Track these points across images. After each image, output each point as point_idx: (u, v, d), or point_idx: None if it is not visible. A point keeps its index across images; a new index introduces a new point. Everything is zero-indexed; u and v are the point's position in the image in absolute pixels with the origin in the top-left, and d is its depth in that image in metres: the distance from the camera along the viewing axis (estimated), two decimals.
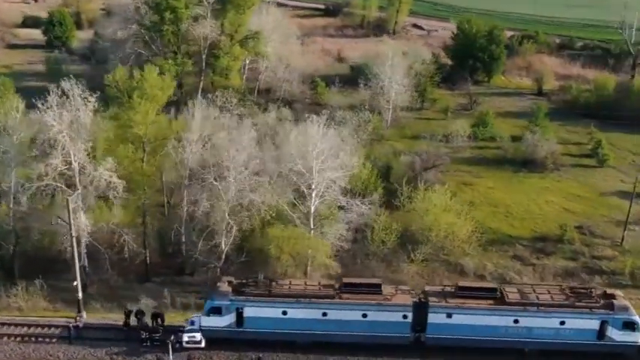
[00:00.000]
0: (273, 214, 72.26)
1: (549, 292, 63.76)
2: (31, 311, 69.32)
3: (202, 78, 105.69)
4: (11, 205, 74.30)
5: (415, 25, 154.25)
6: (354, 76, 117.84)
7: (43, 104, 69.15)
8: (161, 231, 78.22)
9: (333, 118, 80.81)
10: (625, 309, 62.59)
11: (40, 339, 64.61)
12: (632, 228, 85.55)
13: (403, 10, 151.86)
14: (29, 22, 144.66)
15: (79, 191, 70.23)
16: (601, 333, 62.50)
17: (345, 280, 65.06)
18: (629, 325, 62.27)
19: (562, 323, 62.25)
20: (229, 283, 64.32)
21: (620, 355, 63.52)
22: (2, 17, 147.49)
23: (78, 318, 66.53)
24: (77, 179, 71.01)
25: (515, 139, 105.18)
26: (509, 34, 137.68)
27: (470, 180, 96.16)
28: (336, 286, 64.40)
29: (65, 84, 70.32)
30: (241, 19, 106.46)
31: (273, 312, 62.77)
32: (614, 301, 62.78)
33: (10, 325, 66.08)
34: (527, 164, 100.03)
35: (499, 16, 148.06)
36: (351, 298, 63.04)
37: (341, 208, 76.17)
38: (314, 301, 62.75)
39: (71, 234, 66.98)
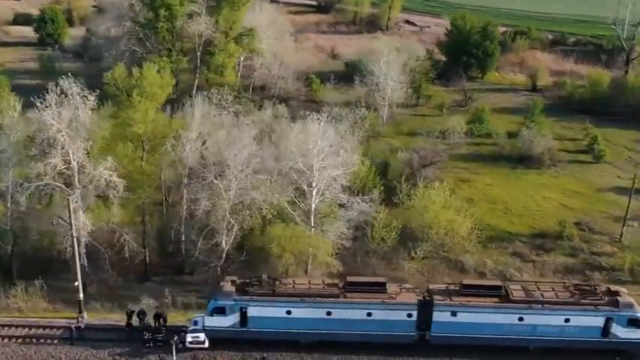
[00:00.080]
0: (275, 213, 71.76)
1: (554, 290, 63.74)
2: (31, 312, 68.71)
3: (197, 75, 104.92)
4: (9, 205, 73.53)
5: (407, 22, 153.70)
6: (349, 73, 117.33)
7: (41, 103, 68.28)
8: (160, 230, 77.63)
9: (329, 115, 79.92)
10: (630, 306, 62.60)
11: (41, 340, 64.07)
12: (630, 224, 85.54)
13: (396, 7, 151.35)
14: (20, 19, 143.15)
15: (79, 191, 69.47)
16: (605, 330, 62.51)
17: (350, 278, 64.73)
18: (634, 322, 62.27)
19: (567, 321, 62.20)
20: (232, 282, 63.87)
21: (625, 352, 63.48)
22: None
23: (79, 319, 65.85)
24: (76, 178, 70.30)
25: (510, 135, 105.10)
26: (501, 29, 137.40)
27: (467, 177, 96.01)
28: (340, 284, 64.03)
29: (64, 82, 69.39)
30: (236, 16, 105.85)
31: (277, 311, 62.40)
32: (619, 298, 62.83)
33: (10, 326, 65.51)
34: (524, 160, 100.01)
35: (490, 12, 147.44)
36: (355, 297, 62.71)
37: (341, 206, 75.78)
38: (318, 301, 62.42)
39: (72, 234, 66.30)
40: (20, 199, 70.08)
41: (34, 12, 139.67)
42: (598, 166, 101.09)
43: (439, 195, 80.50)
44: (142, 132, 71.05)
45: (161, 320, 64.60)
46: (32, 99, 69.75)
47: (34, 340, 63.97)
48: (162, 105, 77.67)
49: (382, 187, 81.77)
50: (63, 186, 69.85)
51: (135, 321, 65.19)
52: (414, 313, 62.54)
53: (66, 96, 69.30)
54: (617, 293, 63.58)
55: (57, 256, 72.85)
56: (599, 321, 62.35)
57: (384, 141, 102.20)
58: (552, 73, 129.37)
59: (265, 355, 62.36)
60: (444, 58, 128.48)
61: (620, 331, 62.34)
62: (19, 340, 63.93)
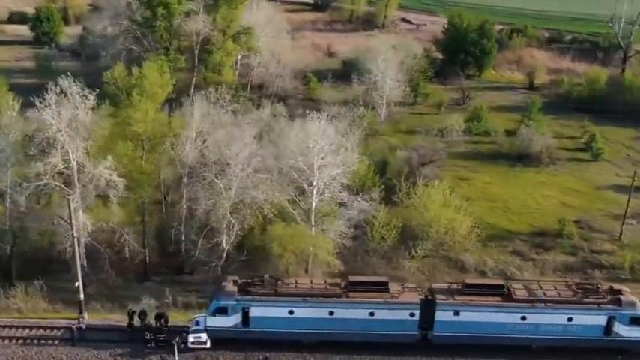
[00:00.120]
0: (275, 212, 71.55)
1: (556, 289, 63.58)
2: (31, 312, 68.20)
3: (195, 74, 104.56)
4: (7, 205, 73.16)
5: (404, 20, 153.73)
6: (346, 71, 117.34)
7: (41, 102, 67.88)
8: (160, 230, 77.32)
9: (329, 114, 79.70)
10: (632, 304, 62.47)
11: (42, 341, 63.61)
12: (629, 222, 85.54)
13: (392, 5, 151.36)
14: (15, 17, 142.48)
15: (79, 190, 69.12)
16: (608, 329, 62.37)
17: (352, 278, 64.48)
18: (637, 321, 62.10)
19: (569, 319, 62.07)
20: (234, 282, 63.54)
21: (627, 351, 63.37)
22: None
23: (80, 319, 65.47)
24: (75, 178, 69.95)
25: (509, 133, 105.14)
26: (497, 28, 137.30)
27: (466, 175, 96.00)
28: (343, 284, 63.76)
29: (63, 81, 68.95)
30: (233, 15, 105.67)
31: (279, 311, 62.12)
32: (621, 297, 62.67)
33: (11, 327, 65.05)
34: (523, 159, 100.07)
35: (485, 10, 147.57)
36: (358, 297, 62.47)
37: (342, 204, 75.59)
38: (321, 300, 62.16)
39: (73, 234, 65.93)
40: (20, 199, 69.52)
41: (30, 10, 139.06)
42: (596, 164, 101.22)
43: (439, 193, 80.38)
44: (142, 131, 70.64)
45: (162, 320, 64.22)
46: (32, 98, 69.29)
47: (34, 341, 63.53)
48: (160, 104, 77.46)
49: (383, 186, 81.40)
50: (62, 186, 69.47)
51: (136, 321, 64.78)
52: (417, 313, 62.34)
53: (65, 95, 68.85)
54: (619, 292, 63.43)
55: (56, 256, 72.39)
56: (601, 319, 62.24)
57: (383, 139, 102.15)
58: (549, 71, 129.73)
59: (268, 355, 62.05)
60: (441, 56, 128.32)
61: (623, 330, 62.22)
62: (20, 341, 63.51)
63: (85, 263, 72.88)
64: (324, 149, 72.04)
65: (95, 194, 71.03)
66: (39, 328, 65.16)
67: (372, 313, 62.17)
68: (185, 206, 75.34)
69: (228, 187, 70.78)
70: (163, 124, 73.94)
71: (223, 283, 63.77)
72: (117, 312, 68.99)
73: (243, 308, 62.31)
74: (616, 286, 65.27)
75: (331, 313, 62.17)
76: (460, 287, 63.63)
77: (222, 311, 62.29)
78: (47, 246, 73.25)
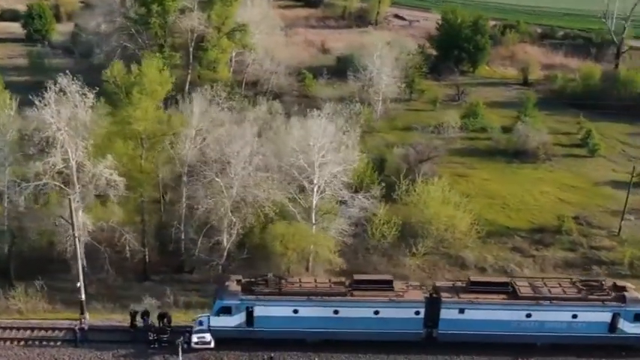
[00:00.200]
0: (277, 211, 71.11)
1: (561, 286, 63.42)
2: (32, 313, 67.55)
3: (190, 71, 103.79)
4: (5, 205, 72.42)
5: (397, 16, 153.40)
6: (341, 68, 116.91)
7: (40, 101, 67.11)
8: (160, 228, 76.78)
9: (329, 112, 79.19)
10: (636, 301, 62.31)
11: (44, 342, 62.93)
12: (627, 218, 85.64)
13: (385, 1, 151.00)
14: (7, 15, 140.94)
15: (79, 190, 68.42)
16: (612, 326, 62.28)
17: (356, 276, 64.12)
18: None
19: (574, 317, 61.93)
20: (238, 282, 63.06)
21: (632, 348, 63.27)
22: None
23: (82, 320, 64.81)
24: (74, 177, 69.26)
25: (504, 129, 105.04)
26: (490, 23, 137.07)
27: (464, 171, 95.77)
28: (347, 283, 63.39)
29: (62, 80, 68.16)
30: (228, 11, 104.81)
31: (283, 311, 61.66)
32: (626, 294, 62.58)
33: (12, 328, 64.34)
34: (519, 155, 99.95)
35: (478, 6, 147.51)
36: (362, 296, 62.11)
37: (342, 202, 75.25)
38: (325, 299, 61.76)
39: (74, 234, 65.28)
40: (19, 199, 68.67)
41: (21, 8, 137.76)
42: (593, 160, 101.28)
43: (438, 190, 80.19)
44: (141, 129, 69.98)
45: (165, 320, 63.68)
46: (30, 97, 68.45)
47: (36, 343, 62.86)
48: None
49: (384, 184, 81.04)
50: (62, 185, 68.76)
51: (139, 322, 64.23)
52: (422, 311, 62.03)
53: (64, 94, 68.07)
54: (623, 288, 63.34)
55: (55, 256, 71.75)
56: (606, 316, 62.13)
57: (379, 136, 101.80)
58: (542, 66, 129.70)
59: (273, 354, 61.61)
60: (435, 53, 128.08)
61: (627, 327, 62.14)
62: (22, 343, 62.80)
63: (84, 263, 72.14)
64: (325, 147, 71.63)
65: (95, 194, 70.25)
66: (40, 329, 64.47)
67: (376, 312, 61.81)
68: (185, 205, 74.69)
69: (229, 186, 70.19)
70: (163, 122, 73.09)
71: (227, 283, 63.21)
72: (118, 312, 68.48)
73: (247, 308, 61.81)
74: (620, 282, 65.14)
75: (336, 312, 61.78)
76: (465, 285, 63.39)
77: (226, 311, 61.77)
78: (46, 246, 72.57)
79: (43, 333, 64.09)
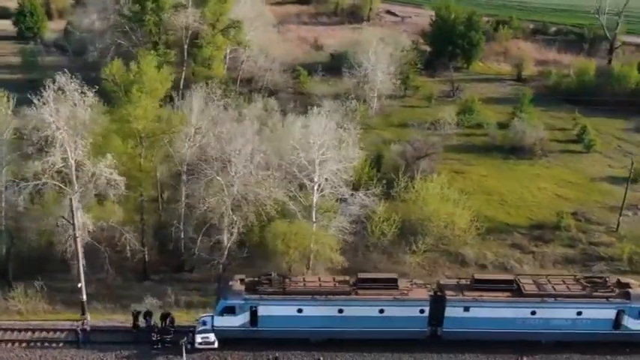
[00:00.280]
0: (279, 209, 70.69)
1: (565, 283, 63.29)
2: (32, 314, 66.92)
3: (184, 69, 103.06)
4: (3, 205, 71.66)
5: (388, 12, 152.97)
6: (335, 64, 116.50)
7: (39, 99, 66.34)
8: (159, 228, 76.23)
9: (329, 109, 78.84)
10: None
11: (46, 344, 62.28)
12: (625, 213, 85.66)
13: None
14: None
15: (78, 190, 67.72)
16: (617, 322, 62.20)
17: (360, 275, 63.80)
18: None
19: (579, 314, 61.83)
20: (242, 281, 62.59)
21: (636, 344, 63.21)
22: None
23: (84, 321, 64.15)
24: (74, 177, 68.54)
25: (500, 125, 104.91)
26: (483, 19, 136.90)
27: (461, 168, 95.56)
28: (351, 281, 63.03)
29: (60, 78, 67.35)
30: (223, 8, 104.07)
31: (288, 310, 61.26)
32: (630, 290, 62.48)
33: (13, 330, 63.61)
34: (516, 151, 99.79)
35: (470, 2, 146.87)
36: (367, 294, 61.80)
37: (342, 200, 74.90)
38: (330, 298, 61.41)
39: (74, 234, 64.64)
40: (18, 199, 67.81)
41: (12, 5, 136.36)
42: (589, 156, 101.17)
43: (437, 187, 79.97)
44: (141, 128, 69.36)
45: (168, 321, 63.12)
46: (29, 95, 67.60)
47: (38, 344, 62.22)
48: None
49: (384, 181, 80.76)
50: (61, 185, 68.04)
51: (141, 322, 63.64)
52: (427, 309, 61.77)
53: (63, 92, 67.29)
54: (627, 285, 63.27)
55: (54, 256, 71.05)
56: (610, 313, 62.03)
57: (375, 133, 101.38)
58: (536, 62, 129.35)
59: (277, 354, 61.18)
60: (428, 49, 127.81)
61: (632, 323, 62.04)
62: (23, 344, 62.11)
63: (84, 263, 71.47)
64: (325, 144, 71.24)
65: (95, 193, 69.50)
66: (42, 330, 63.81)
67: (381, 311, 61.51)
68: (184, 204, 74.14)
69: (230, 184, 69.68)
70: (162, 120, 72.47)
71: (230, 283, 62.67)
72: (119, 312, 68.02)
73: (251, 307, 61.36)
74: (624, 279, 65.10)
75: (340, 311, 61.45)
76: (469, 283, 63.14)
77: (230, 311, 61.30)
78: (45, 246, 71.82)
79: (44, 334, 63.44)
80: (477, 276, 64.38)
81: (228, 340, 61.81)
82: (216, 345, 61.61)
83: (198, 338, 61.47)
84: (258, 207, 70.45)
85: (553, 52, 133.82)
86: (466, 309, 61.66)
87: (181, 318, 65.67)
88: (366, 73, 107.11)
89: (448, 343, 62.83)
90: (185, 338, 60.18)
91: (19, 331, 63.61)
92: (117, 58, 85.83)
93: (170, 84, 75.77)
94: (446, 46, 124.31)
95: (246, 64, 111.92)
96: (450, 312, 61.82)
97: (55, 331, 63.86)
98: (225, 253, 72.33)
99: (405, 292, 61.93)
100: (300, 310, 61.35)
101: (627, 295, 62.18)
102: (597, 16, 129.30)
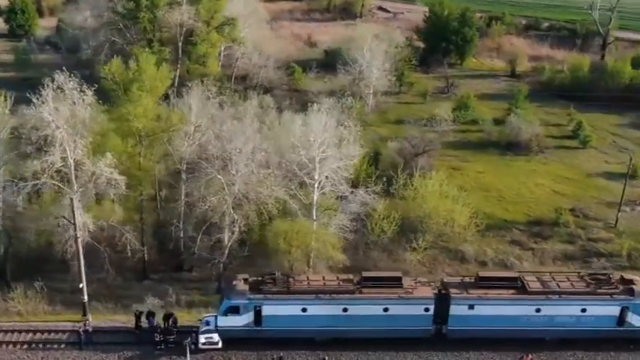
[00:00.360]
0: (280, 208, 70.28)
1: (569, 280, 63.17)
2: (32, 315, 66.19)
3: (179, 66, 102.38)
4: (0, 205, 70.92)
5: (381, 8, 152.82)
6: (329, 61, 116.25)
7: (38, 98, 65.56)
8: (158, 227, 75.69)
9: (327, 107, 78.40)
10: None
11: (48, 345, 61.66)
12: (623, 209, 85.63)
13: None
14: None
15: (78, 189, 67.04)
16: (621, 319, 62.13)
17: (365, 274, 63.47)
18: None
19: (583, 311, 61.72)
20: (245, 281, 62.15)
21: None
22: None
23: (86, 322, 63.51)
24: (73, 176, 67.80)
25: (496, 121, 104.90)
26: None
27: (458, 165, 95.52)
28: (356, 280, 62.71)
29: (59, 77, 66.54)
30: (217, 5, 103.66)
31: (292, 309, 60.87)
32: (634, 287, 62.38)
33: (14, 331, 62.92)
34: (512, 147, 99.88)
35: None
36: (371, 293, 61.49)
37: (343, 198, 74.57)
38: (334, 297, 61.06)
39: (75, 234, 64.03)
40: (17, 199, 66.97)
41: (2, 2, 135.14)
42: (584, 152, 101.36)
43: (436, 184, 79.77)
44: (141, 127, 68.75)
45: (171, 321, 62.65)
46: (28, 94, 66.78)
47: (40, 346, 61.59)
48: None
49: (384, 178, 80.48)
50: (61, 185, 67.35)
51: (144, 322, 63.12)
52: (431, 308, 61.52)
53: (62, 91, 66.52)
54: (631, 282, 63.12)
55: (52, 256, 70.36)
56: (614, 310, 61.93)
57: (371, 130, 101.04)
58: (529, 58, 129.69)
59: (282, 354, 60.80)
60: (422, 45, 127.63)
61: (636, 320, 61.94)
62: (25, 346, 61.49)
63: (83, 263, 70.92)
64: (326, 142, 70.86)
65: (95, 192, 68.83)
66: (43, 331, 63.13)
67: (386, 309, 61.21)
68: (184, 202, 73.61)
69: (231, 183, 69.18)
70: (161, 119, 71.86)
71: (234, 282, 62.14)
72: (120, 313, 67.46)
73: (255, 307, 60.95)
74: (627, 276, 65.02)
75: (345, 310, 61.12)
76: (474, 281, 62.89)
77: (234, 311, 60.83)
78: (43, 246, 71.06)
79: (46, 336, 62.80)
80: (482, 273, 64.23)
81: (232, 340, 61.36)
82: (220, 345, 61.15)
83: (202, 338, 61.01)
84: (260, 206, 69.90)
85: (546, 48, 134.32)
86: (471, 307, 61.47)
87: (183, 318, 65.17)
88: (361, 69, 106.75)
89: (453, 342, 62.60)
90: (189, 338, 59.84)
91: (20, 332, 62.97)
92: (111, 55, 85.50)
93: (170, 82, 74.84)
94: (440, 43, 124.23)
95: (240, 62, 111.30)
96: (455, 310, 61.58)
97: (56, 332, 63.20)
98: (226, 252, 71.77)
99: (410, 290, 61.65)
100: (304, 310, 60.98)
101: (631, 292, 62.10)
102: (590, 11, 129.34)
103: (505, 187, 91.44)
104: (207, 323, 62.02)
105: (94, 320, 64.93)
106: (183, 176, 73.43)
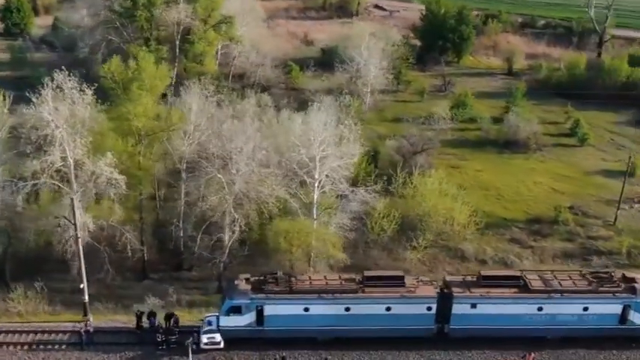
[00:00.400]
0: (281, 207, 70.07)
1: (571, 278, 63.08)
2: (32, 316, 65.89)
3: (176, 65, 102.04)
4: None
5: (377, 6, 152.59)
6: (326, 60, 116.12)
7: (37, 98, 65.12)
8: (158, 226, 75.41)
9: (328, 105, 78.28)
10: None
11: (49, 346, 61.26)
12: (621, 207, 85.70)
13: None
14: None
15: (78, 189, 66.67)
16: (623, 317, 62.06)
17: (367, 273, 63.21)
18: None
19: (585, 309, 61.67)
20: (247, 280, 61.88)
21: None
22: None
23: (88, 322, 63.19)
24: (72, 176, 67.38)
25: (494, 119, 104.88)
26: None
27: (456, 163, 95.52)
28: (358, 279, 62.50)
29: (58, 76, 66.10)
30: (214, 4, 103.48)
31: (294, 309, 60.62)
32: (636, 285, 62.32)
33: (15, 332, 62.55)
34: (510, 145, 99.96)
35: None
36: (374, 292, 61.28)
37: (343, 196, 74.40)
38: (336, 297, 60.83)
39: (76, 234, 63.72)
40: (16, 199, 66.63)
41: None
42: (582, 149, 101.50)
43: (435, 183, 79.69)
44: (141, 126, 68.43)
45: (172, 321, 62.41)
46: (27, 93, 66.38)
47: (41, 346, 61.17)
48: None
49: (384, 177, 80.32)
50: (60, 184, 66.96)
51: (145, 323, 62.84)
52: (434, 307, 61.37)
53: (61, 90, 66.11)
54: (633, 280, 63.05)
55: (52, 256, 70.09)
56: (616, 308, 61.85)
57: (369, 128, 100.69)
58: (525, 56, 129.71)
59: (284, 354, 60.58)
60: (419, 43, 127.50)
61: (638, 318, 61.75)
62: (25, 347, 61.07)
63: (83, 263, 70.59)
64: (326, 140, 70.68)
65: (95, 192, 68.46)
66: (44, 332, 62.72)
67: (388, 308, 61.03)
68: (184, 202, 73.34)
69: (231, 182, 68.92)
70: (161, 118, 71.57)
71: (236, 282, 61.83)
72: (120, 313, 67.19)
73: (257, 307, 60.68)
74: (629, 274, 64.91)
75: (347, 309, 60.91)
76: (476, 279, 62.75)
77: (236, 310, 60.54)
78: (42, 246, 70.69)
79: (47, 336, 62.38)
80: (484, 272, 64.00)
81: (235, 340, 61.10)
82: (222, 345, 60.90)
83: (204, 338, 60.74)
84: (260, 205, 69.67)
85: (542, 46, 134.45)
86: (473, 306, 61.30)
87: (184, 317, 64.94)
88: (359, 68, 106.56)
89: (455, 341, 62.43)
90: (191, 338, 59.44)
91: (21, 333, 62.60)
92: (108, 54, 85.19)
93: (169, 80, 74.54)
94: (436, 41, 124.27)
95: (237, 60, 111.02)
96: (457, 309, 61.41)
97: (57, 332, 62.79)
98: (227, 251, 71.53)
99: (412, 289, 61.47)
100: (306, 309, 60.74)
101: (633, 290, 62.03)
102: (587, 9, 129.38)
103: (504, 185, 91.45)
104: (209, 323, 61.72)
105: (95, 320, 64.65)
106: (183, 175, 73.14)
